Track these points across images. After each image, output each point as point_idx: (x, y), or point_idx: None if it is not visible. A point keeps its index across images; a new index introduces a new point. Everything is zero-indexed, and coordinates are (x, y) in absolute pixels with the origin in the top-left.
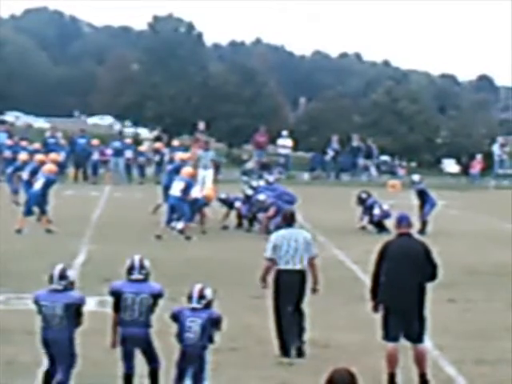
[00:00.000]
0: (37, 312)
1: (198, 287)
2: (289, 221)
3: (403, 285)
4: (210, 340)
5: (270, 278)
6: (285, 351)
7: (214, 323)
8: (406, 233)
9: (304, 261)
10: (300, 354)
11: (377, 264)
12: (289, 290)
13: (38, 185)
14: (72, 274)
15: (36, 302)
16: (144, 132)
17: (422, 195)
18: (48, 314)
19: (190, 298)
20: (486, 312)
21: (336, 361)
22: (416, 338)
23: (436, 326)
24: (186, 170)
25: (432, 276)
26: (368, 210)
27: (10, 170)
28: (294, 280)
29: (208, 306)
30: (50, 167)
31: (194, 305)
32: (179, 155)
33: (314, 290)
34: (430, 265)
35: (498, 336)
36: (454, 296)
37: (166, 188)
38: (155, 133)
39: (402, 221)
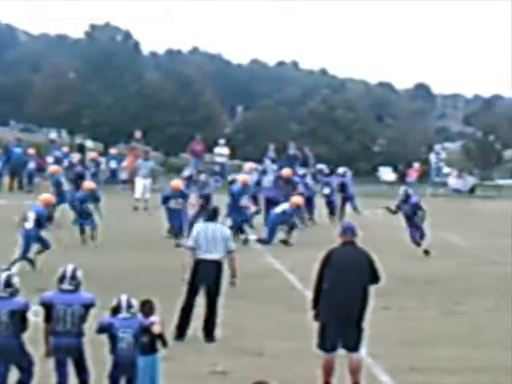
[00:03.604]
0: None
1: (124, 297)
2: (210, 215)
3: (346, 293)
4: (153, 349)
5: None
6: (180, 333)
7: (145, 330)
8: (350, 241)
9: (221, 253)
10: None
11: (320, 272)
12: (204, 278)
13: None
14: (17, 280)
15: None
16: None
17: (343, 187)
18: None
19: (117, 308)
20: (420, 320)
21: (270, 369)
22: (353, 347)
23: (370, 333)
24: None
25: (374, 279)
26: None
27: None
28: (210, 269)
29: (136, 314)
30: None
31: (125, 315)
32: None
33: (232, 283)
34: (372, 272)
35: (431, 344)
36: (389, 304)
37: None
38: (78, 141)
39: (347, 230)
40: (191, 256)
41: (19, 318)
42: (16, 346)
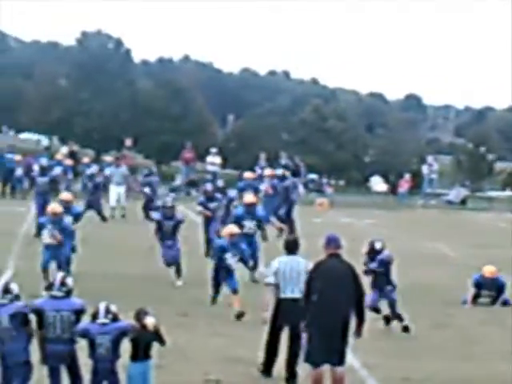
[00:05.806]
0: None
1: (102, 305)
2: (291, 248)
3: (335, 305)
4: (146, 356)
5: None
6: (267, 370)
7: (125, 334)
8: (335, 254)
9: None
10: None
11: (307, 284)
12: (287, 318)
13: None
14: (16, 287)
15: None
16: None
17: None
18: None
19: (95, 315)
20: (413, 331)
21: (263, 379)
22: (338, 360)
23: (363, 344)
24: None
25: (359, 294)
26: None
27: None
28: (294, 308)
29: (115, 319)
30: None
31: (102, 319)
32: None
33: None
34: (356, 286)
35: (424, 355)
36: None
37: None
38: (66, 148)
39: (331, 242)
40: (272, 293)
41: (21, 322)
42: (21, 351)
